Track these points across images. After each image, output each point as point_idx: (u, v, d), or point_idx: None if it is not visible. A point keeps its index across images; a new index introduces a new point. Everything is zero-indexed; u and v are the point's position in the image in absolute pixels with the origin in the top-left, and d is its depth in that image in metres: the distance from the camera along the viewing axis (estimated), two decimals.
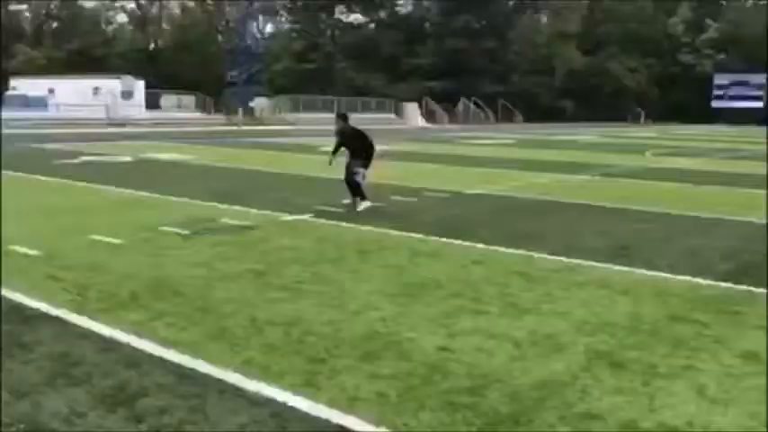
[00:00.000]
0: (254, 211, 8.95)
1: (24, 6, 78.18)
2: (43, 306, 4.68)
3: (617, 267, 6.21)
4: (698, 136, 38.69)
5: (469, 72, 63.84)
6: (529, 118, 61.80)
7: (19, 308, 4.66)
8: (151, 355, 3.83)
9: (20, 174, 13.11)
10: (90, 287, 5.19)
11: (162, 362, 3.75)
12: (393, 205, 9.75)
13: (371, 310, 4.73)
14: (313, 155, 19.91)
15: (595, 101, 66.93)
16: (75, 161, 16.03)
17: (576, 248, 6.98)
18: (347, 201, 9.43)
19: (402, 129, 45.11)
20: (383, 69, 66.23)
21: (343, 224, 8.12)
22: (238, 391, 3.39)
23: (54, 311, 4.58)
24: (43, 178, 12.45)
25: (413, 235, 7.48)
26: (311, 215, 8.69)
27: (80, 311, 4.60)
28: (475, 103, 60.75)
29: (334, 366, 3.72)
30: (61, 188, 11.28)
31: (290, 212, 8.80)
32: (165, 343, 4.02)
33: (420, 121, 54.21)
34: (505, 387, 3.50)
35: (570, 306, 4.95)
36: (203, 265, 5.95)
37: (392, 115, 55.38)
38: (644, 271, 6.11)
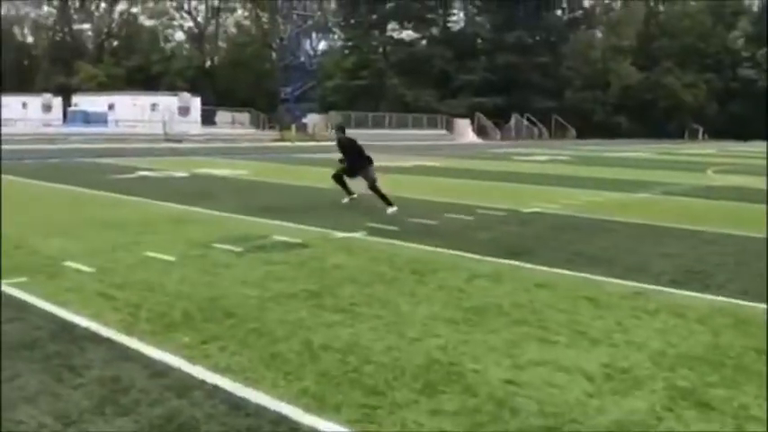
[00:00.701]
0: (305, 227, 8.81)
1: (88, 26, 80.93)
2: (93, 326, 4.58)
3: (689, 293, 5.82)
4: (759, 153, 37.33)
5: (522, 87, 63.30)
6: (582, 134, 60.85)
7: (70, 327, 4.56)
8: (203, 382, 3.66)
9: (77, 188, 13.33)
10: (141, 306, 5.08)
11: (214, 389, 3.57)
12: (447, 223, 9.49)
13: (431, 337, 4.48)
14: None
15: (651, 117, 65.55)
16: (132, 176, 16.24)
17: (642, 272, 6.61)
18: (345, 200, 11.51)
19: (453, 144, 44.87)
20: (434, 85, 66.22)
21: (397, 242, 7.89)
22: (294, 427, 3.18)
23: (104, 332, 4.47)
24: (99, 193, 12.61)
25: (470, 255, 7.20)
26: (364, 233, 8.50)
27: (131, 332, 4.48)
28: (527, 119, 60.08)
29: (393, 399, 3.48)
30: (117, 203, 11.37)
31: (343, 230, 8.63)
32: (217, 369, 3.85)
33: (471, 137, 53.84)
34: (582, 428, 3.20)
35: (644, 336, 4.61)
36: (256, 284, 5.80)
37: (443, 131, 55.21)
38: (718, 297, 5.71)
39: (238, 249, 7.29)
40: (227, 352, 4.15)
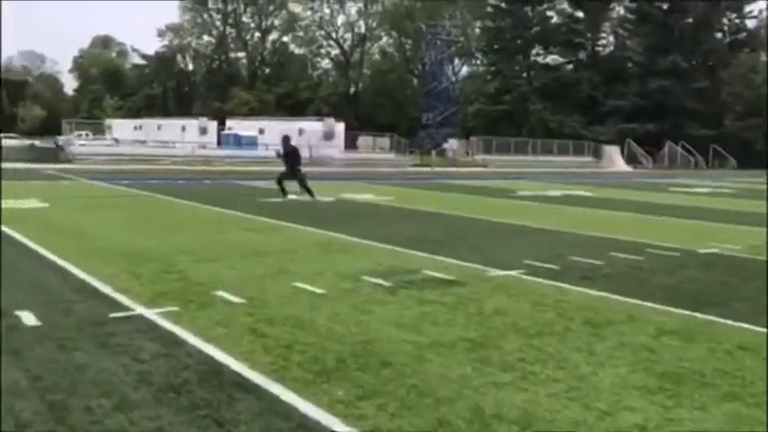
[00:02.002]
0: (457, 262, 8.25)
1: (243, 54, 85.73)
2: (243, 369, 4.23)
3: None
4: None
5: (676, 114, 59.72)
6: (743, 164, 56.29)
7: (219, 369, 4.25)
8: None
9: (227, 210, 13.56)
10: (293, 348, 4.71)
11: None
12: (615, 264, 8.57)
13: (625, 411, 3.75)
14: (511, 199, 19.05)
15: None
16: (279, 200, 16.43)
17: None
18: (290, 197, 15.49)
19: (602, 173, 42.85)
20: (580, 110, 63.99)
21: (561, 285, 7.13)
22: None
23: (254, 378, 4.10)
24: (248, 216, 12.72)
25: (648, 304, 6.32)
26: (521, 271, 7.80)
27: (281, 379, 4.09)
28: (683, 147, 56.49)
29: None
30: (264, 227, 11.36)
31: (498, 267, 7.97)
32: None
33: (621, 165, 51.27)
34: None
35: None
36: (411, 327, 5.30)
37: (590, 158, 52.98)
38: None
39: (389, 284, 6.84)
40: (387, 413, 3.64)
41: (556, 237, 11.21)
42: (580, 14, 69.92)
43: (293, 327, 5.23)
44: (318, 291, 6.46)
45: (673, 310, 6.13)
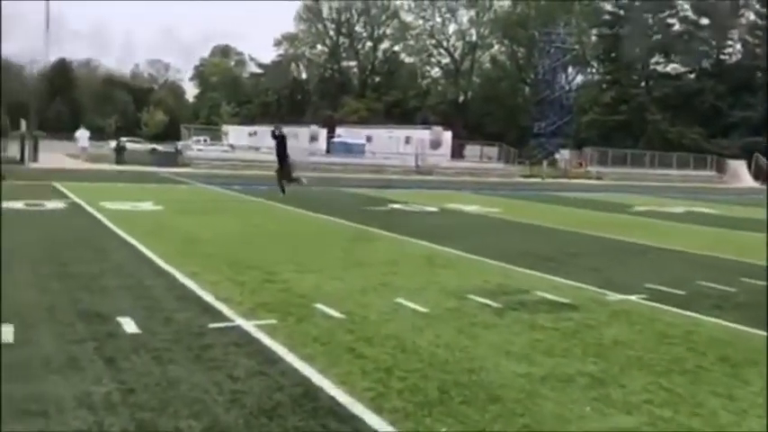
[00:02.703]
0: (571, 282, 7.68)
1: (354, 63, 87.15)
2: (339, 395, 3.95)
3: None
4: None
5: None
6: None
7: (314, 393, 3.98)
8: None
9: (332, 218, 13.47)
10: (393, 372, 4.38)
11: None
12: (749, 291, 7.70)
13: None
14: (627, 215, 18.03)
15: None
16: (383, 208, 16.27)
17: None
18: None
19: (726, 189, 40.28)
20: (702, 122, 60.52)
21: (689, 313, 6.45)
22: None
23: (351, 405, 3.81)
24: (352, 224, 12.55)
25: None
26: (642, 296, 7.14)
27: (379, 409, 3.77)
28: None
29: None
30: (367, 237, 11.14)
31: (616, 290, 7.35)
32: None
33: (748, 181, 48.04)
34: None
35: None
36: (522, 356, 4.86)
37: (713, 173, 49.95)
38: None
39: (497, 305, 6.41)
40: None
41: (679, 258, 10.36)
42: (705, 21, 66.29)
43: (394, 348, 4.92)
44: (421, 309, 6.12)
45: None
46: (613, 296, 7.09)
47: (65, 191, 16.33)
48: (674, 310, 6.59)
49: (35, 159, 28.30)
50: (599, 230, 13.39)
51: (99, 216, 11.95)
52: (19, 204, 12.95)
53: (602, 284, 7.62)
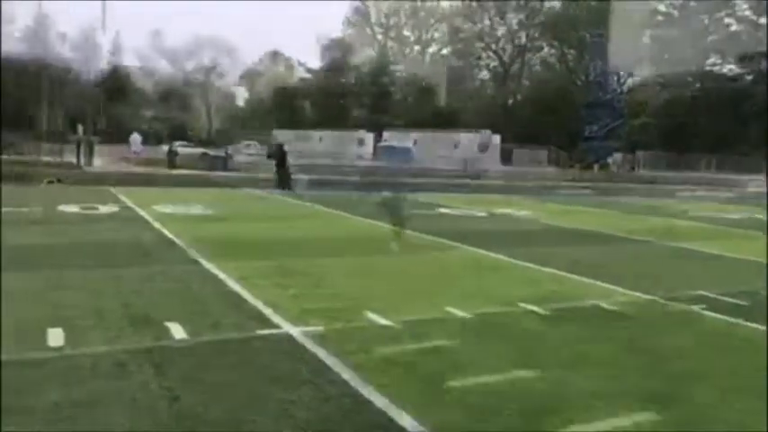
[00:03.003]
0: (625, 291, 7.44)
1: (401, 67, 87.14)
2: (388, 407, 3.86)
3: None
4: None
5: None
6: None
7: (364, 407, 3.90)
8: None
9: (378, 223, 13.37)
10: (440, 384, 4.27)
11: None
12: None
13: None
14: (682, 220, 17.50)
15: None
16: (432, 212, 16.13)
17: None
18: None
19: None
20: (758, 125, 58.60)
21: (753, 326, 6.17)
22: None
23: (399, 418, 3.72)
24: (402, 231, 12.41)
25: None
26: (701, 306, 6.87)
27: (424, 422, 3.67)
28: None
29: None
30: (414, 242, 11.00)
31: (674, 299, 7.09)
32: None
33: None
34: None
35: None
36: (572, 367, 4.68)
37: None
38: None
39: (546, 313, 6.24)
40: None
41: (738, 266, 9.98)
42: (763, 21, 64.28)
43: (442, 359, 4.80)
44: (469, 316, 6.00)
45: None
46: (671, 305, 6.81)
47: (120, 196, 16.65)
48: (734, 320, 6.33)
49: (90, 164, 29.00)
50: (652, 236, 12.90)
51: (149, 219, 12.12)
52: (75, 208, 13.26)
53: (658, 292, 7.33)
